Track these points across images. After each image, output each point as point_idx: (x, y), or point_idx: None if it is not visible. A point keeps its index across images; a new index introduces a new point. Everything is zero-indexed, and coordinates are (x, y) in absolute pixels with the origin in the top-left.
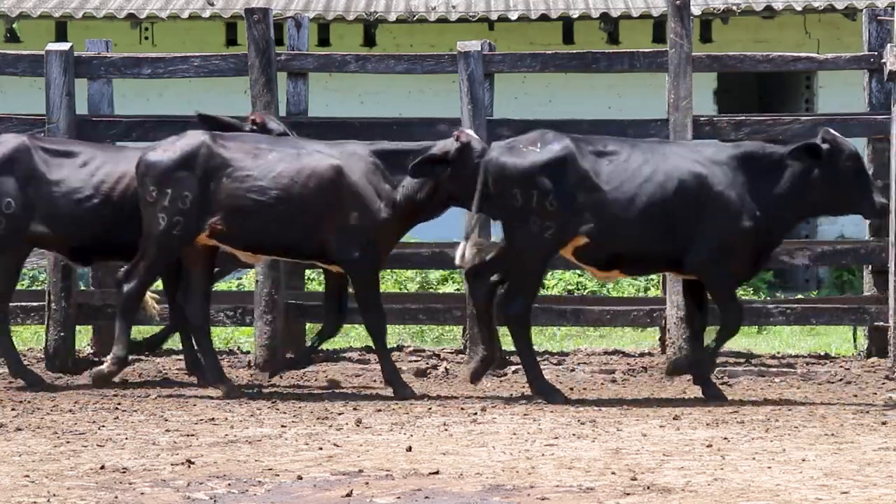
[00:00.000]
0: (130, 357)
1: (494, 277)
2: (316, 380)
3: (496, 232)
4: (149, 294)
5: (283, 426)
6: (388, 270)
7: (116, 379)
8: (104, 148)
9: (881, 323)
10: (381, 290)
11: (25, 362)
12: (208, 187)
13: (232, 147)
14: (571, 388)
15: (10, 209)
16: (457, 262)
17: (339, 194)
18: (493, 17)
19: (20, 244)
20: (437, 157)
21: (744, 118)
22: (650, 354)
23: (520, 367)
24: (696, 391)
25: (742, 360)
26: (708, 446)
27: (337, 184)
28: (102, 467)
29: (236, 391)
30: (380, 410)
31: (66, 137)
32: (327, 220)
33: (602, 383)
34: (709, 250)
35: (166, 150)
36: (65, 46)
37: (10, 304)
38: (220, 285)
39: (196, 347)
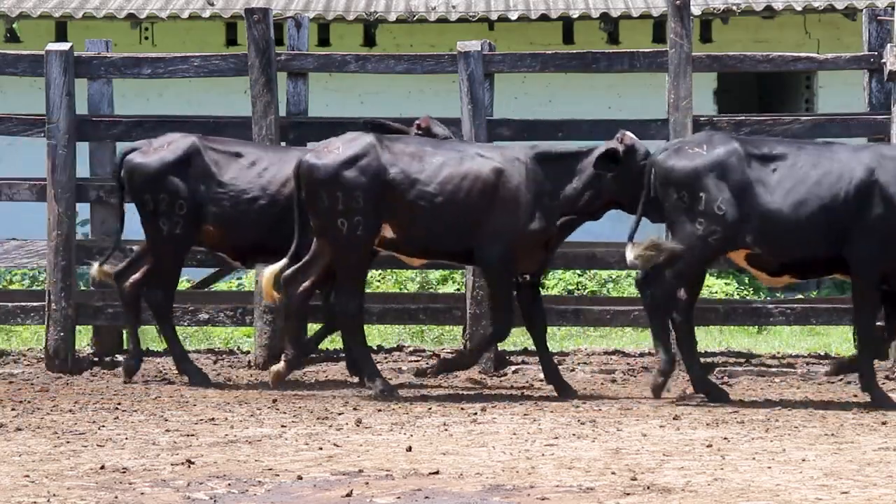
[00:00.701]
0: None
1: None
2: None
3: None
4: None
5: (283, 426)
6: (389, 270)
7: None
8: (270, 149)
9: (881, 323)
10: (381, 291)
11: (25, 362)
12: (379, 188)
13: (397, 150)
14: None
15: (182, 210)
16: (628, 261)
17: (496, 198)
18: (493, 17)
19: (191, 244)
20: (614, 151)
21: (744, 118)
22: (650, 354)
23: (519, 367)
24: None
25: (742, 360)
26: (708, 446)
27: (495, 188)
28: (102, 467)
29: (390, 390)
30: (380, 410)
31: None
32: (481, 223)
33: (602, 383)
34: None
35: (331, 153)
36: (65, 46)
37: (10, 304)
38: (220, 285)
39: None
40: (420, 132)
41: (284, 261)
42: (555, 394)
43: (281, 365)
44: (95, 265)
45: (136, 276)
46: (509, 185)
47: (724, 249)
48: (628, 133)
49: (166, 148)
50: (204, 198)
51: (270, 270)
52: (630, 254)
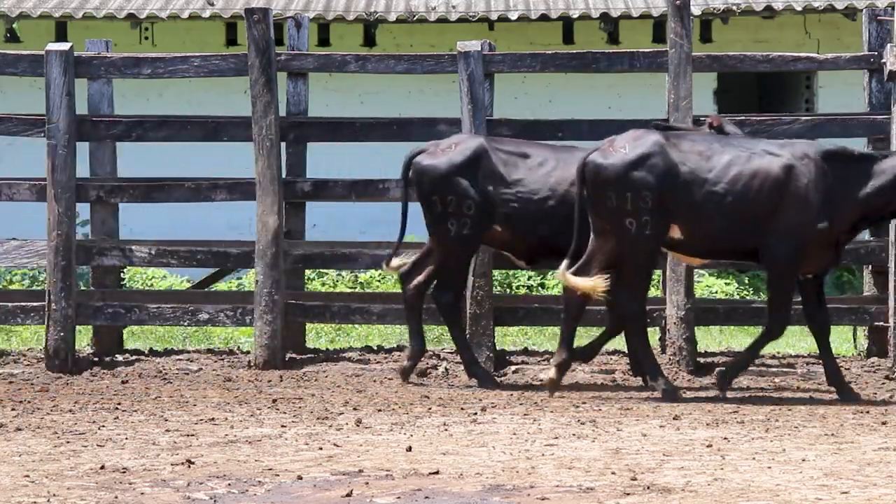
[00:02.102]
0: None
1: None
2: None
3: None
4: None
5: (283, 426)
6: None
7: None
8: (556, 149)
9: (881, 323)
10: (381, 290)
11: (25, 362)
12: (664, 189)
13: (685, 149)
14: (571, 388)
15: (470, 210)
16: None
17: (785, 196)
18: (493, 17)
19: (478, 244)
20: None
21: (744, 118)
22: None
23: (519, 367)
24: (695, 391)
25: None
26: (708, 446)
27: (785, 185)
28: (102, 467)
29: (674, 390)
30: (380, 410)
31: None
32: (770, 221)
33: (602, 383)
34: None
35: (618, 152)
36: (65, 46)
37: (10, 304)
38: (220, 285)
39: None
40: (712, 131)
41: (566, 261)
42: (555, 394)
43: (552, 372)
44: (391, 261)
45: (420, 278)
46: (799, 183)
47: None
48: None
49: (454, 149)
50: (492, 198)
51: (560, 273)
52: None
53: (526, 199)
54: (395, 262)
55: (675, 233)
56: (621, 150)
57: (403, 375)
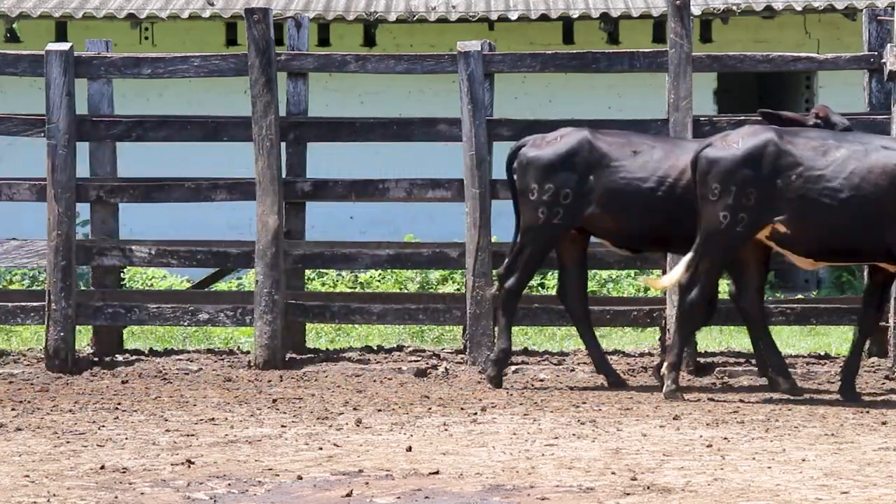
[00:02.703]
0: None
1: None
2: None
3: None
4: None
5: (283, 426)
6: (389, 270)
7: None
8: (663, 140)
9: (881, 323)
10: (381, 290)
11: (25, 362)
12: (775, 185)
13: (800, 144)
14: (571, 388)
15: (566, 200)
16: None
17: None
18: (493, 17)
19: (567, 233)
20: None
21: (744, 118)
22: (650, 354)
23: (519, 367)
24: (695, 392)
25: (742, 360)
26: (708, 446)
27: None
28: (102, 467)
29: (797, 388)
30: (380, 410)
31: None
32: (891, 218)
33: (602, 383)
34: None
35: (729, 147)
36: (65, 46)
37: (10, 304)
38: (220, 285)
39: (759, 344)
40: (819, 121)
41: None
42: (555, 394)
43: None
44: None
45: (513, 281)
46: None
47: None
48: None
49: (559, 141)
50: (595, 188)
51: (677, 273)
52: None
53: (631, 188)
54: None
55: (784, 230)
56: (734, 144)
57: (493, 382)
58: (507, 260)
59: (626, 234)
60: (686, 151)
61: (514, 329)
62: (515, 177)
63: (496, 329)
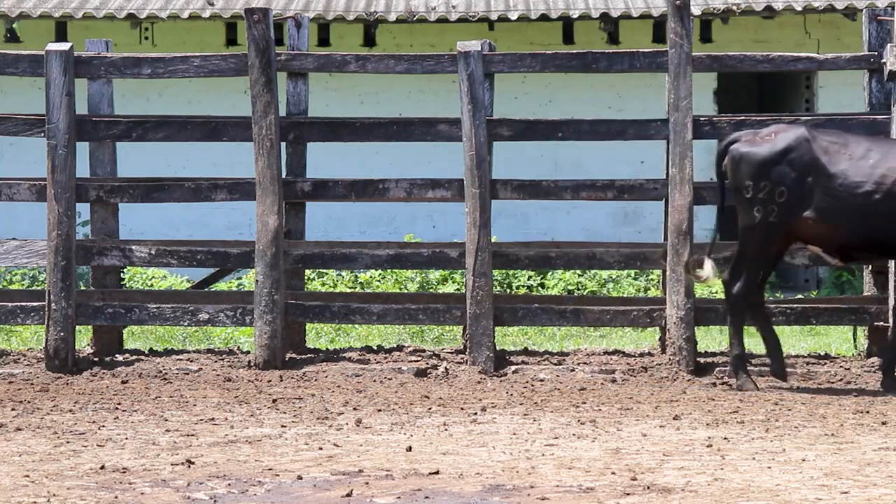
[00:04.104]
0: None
1: None
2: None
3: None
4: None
5: (283, 426)
6: (388, 270)
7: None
8: (881, 141)
9: (881, 323)
10: (381, 290)
11: (25, 362)
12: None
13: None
14: (571, 388)
15: (781, 198)
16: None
17: None
18: (493, 17)
19: (782, 234)
20: None
21: (744, 118)
22: (650, 354)
23: (519, 367)
24: (695, 391)
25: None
26: (708, 446)
27: None
28: (102, 467)
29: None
30: (380, 410)
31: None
32: None
33: (602, 383)
34: None
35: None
36: (65, 46)
37: (10, 304)
38: (220, 285)
39: None
40: None
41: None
42: (555, 394)
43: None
44: (707, 265)
45: (739, 286)
46: None
47: None
48: None
49: (774, 137)
50: (811, 189)
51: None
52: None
53: (847, 192)
54: (707, 267)
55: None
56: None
57: (745, 388)
58: (730, 265)
59: (840, 242)
60: None
61: (514, 329)
62: (727, 173)
63: (729, 334)
